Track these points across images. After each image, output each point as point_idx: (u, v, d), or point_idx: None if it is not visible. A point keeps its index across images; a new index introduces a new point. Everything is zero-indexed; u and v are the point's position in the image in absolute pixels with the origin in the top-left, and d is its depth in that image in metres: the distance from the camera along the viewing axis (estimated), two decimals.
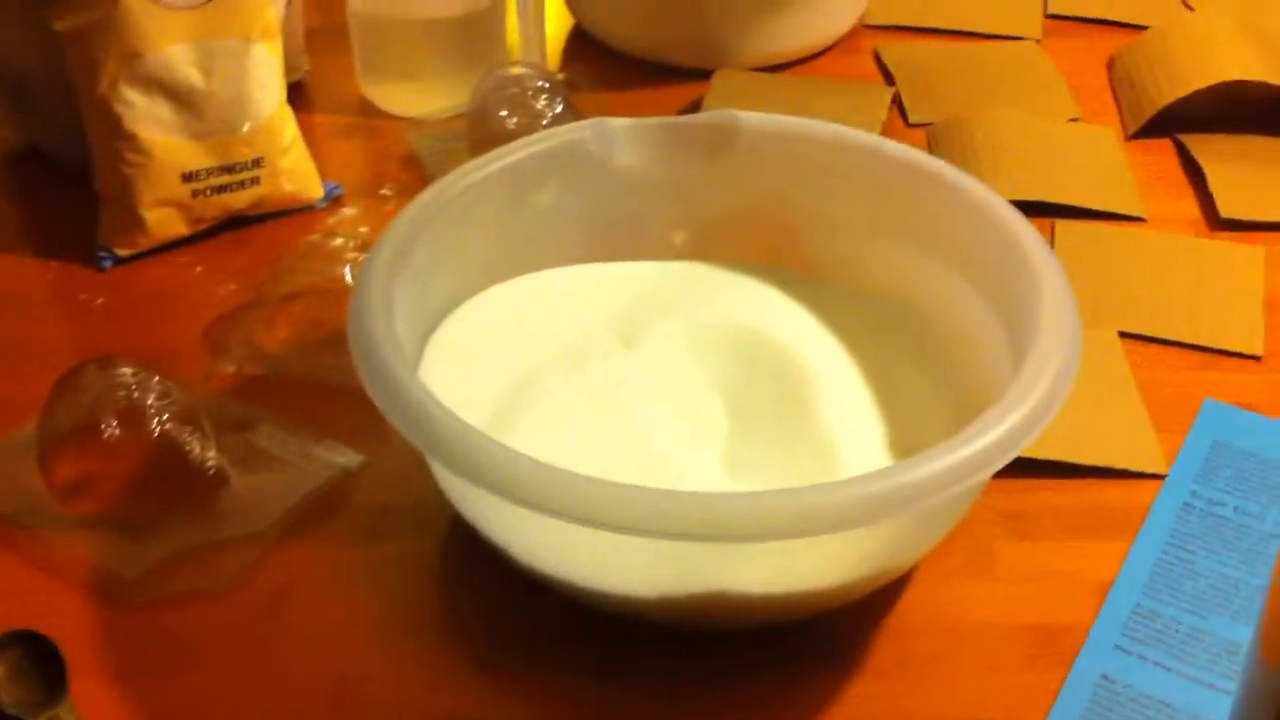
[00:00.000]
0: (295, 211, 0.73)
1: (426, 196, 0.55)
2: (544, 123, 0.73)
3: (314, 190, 0.73)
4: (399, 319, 0.50)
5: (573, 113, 0.74)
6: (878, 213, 0.60)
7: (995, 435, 0.44)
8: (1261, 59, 0.79)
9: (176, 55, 0.66)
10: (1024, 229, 0.53)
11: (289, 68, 0.81)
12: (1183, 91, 0.78)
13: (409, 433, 0.45)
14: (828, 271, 0.61)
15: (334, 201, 0.74)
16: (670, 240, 0.63)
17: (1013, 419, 0.45)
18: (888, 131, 0.78)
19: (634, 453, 0.52)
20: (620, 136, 0.60)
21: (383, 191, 0.75)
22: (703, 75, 0.84)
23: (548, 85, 0.75)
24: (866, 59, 0.88)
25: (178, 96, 0.67)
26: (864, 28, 0.91)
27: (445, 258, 0.56)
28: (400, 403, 0.46)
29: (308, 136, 0.75)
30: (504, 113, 0.73)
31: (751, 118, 0.61)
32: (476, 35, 0.79)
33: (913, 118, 0.81)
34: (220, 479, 0.55)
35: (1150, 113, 0.79)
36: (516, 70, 0.75)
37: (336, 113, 0.82)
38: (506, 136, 0.74)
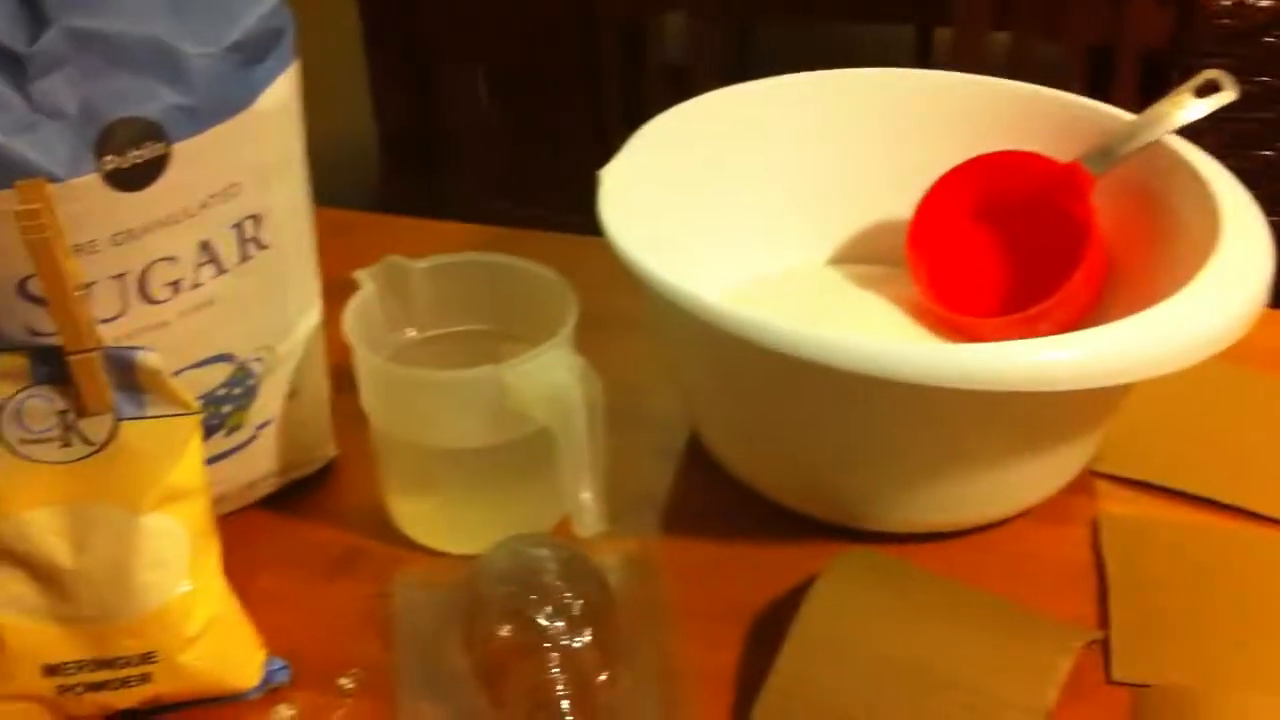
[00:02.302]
0: (216, 702, 0.54)
1: None
2: (545, 642, 0.51)
3: (244, 677, 0.54)
4: None
5: (596, 639, 0.52)
6: None
7: None
8: None
9: (38, 521, 0.49)
10: None
11: (311, 456, 0.64)
12: None
13: None
14: None
15: (272, 692, 0.54)
16: None
17: None
18: None
19: None
20: None
21: (341, 682, 0.55)
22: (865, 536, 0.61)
23: (576, 581, 0.53)
24: None
25: (37, 571, 0.50)
26: None
27: None
28: None
29: (298, 555, 0.58)
30: (498, 617, 0.52)
31: None
32: (517, 467, 0.59)
33: None
34: None
35: None
36: (535, 546, 0.55)
37: (346, 524, 0.63)
38: (497, 648, 0.54)
